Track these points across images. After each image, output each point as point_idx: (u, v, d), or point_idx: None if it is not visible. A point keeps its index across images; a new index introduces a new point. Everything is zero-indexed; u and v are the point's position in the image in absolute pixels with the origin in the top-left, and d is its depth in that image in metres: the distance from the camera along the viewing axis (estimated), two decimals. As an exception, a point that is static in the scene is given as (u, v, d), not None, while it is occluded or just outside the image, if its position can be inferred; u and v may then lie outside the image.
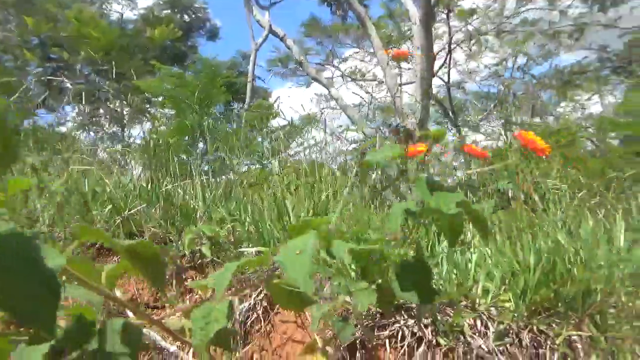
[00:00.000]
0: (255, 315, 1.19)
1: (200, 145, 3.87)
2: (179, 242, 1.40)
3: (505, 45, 11.61)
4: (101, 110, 11.86)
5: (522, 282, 1.02)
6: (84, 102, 10.74)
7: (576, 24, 11.92)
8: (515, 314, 0.99)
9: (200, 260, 1.39)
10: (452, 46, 10.30)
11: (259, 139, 4.15)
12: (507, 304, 1.04)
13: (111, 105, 10.96)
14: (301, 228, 0.58)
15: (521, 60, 12.03)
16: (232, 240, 1.38)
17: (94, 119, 12.23)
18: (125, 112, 11.13)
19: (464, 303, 1.04)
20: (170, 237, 1.48)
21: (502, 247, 1.15)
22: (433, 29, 10.74)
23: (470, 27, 10.18)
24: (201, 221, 1.53)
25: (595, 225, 1.36)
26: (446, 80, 10.84)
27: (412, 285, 0.68)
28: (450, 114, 11.68)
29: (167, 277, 1.37)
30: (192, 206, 1.63)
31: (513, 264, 1.07)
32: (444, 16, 10.07)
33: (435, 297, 0.69)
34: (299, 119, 5.21)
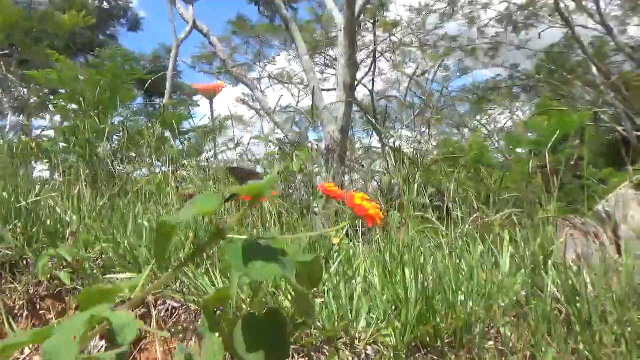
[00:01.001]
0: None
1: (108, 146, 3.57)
2: (37, 267, 1.23)
3: (427, 58, 12.09)
4: (4, 99, 10.89)
5: (403, 316, 0.98)
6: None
7: (492, 42, 12.72)
8: (394, 352, 0.95)
9: (59, 288, 1.22)
10: (377, 55, 10.53)
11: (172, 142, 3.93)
12: (388, 339, 0.99)
13: (14, 92, 10.07)
14: (94, 298, 0.47)
15: (441, 73, 12.59)
16: (102, 265, 1.23)
17: (-6, 105, 11.15)
18: (31, 101, 10.25)
19: (343, 340, 0.98)
20: (29, 260, 1.29)
21: (388, 277, 1.11)
22: (360, 36, 10.93)
23: (394, 38, 10.47)
24: (72, 240, 1.35)
25: (484, 251, 1.37)
26: (370, 88, 11.05)
27: (261, 344, 0.60)
28: (374, 121, 11.94)
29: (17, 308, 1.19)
30: (65, 222, 1.44)
31: (396, 295, 1.03)
32: (370, 25, 10.28)
33: (286, 356, 0.60)
34: (218, 120, 5.02)
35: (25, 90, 9.01)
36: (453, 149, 5.77)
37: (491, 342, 1.05)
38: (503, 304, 1.15)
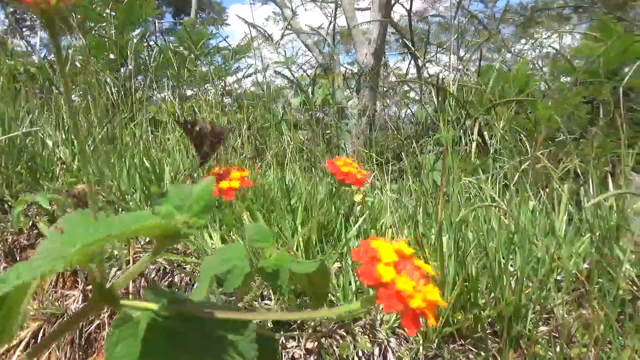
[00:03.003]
0: (99, 321, 0.92)
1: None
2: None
3: (472, -26, 11.03)
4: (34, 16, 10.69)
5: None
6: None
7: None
8: (424, 343, 0.77)
9: (41, 239, 1.09)
10: (417, -30, 9.63)
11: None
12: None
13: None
14: None
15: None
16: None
17: (26, 22, 11.07)
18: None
19: (362, 322, 0.81)
20: (10, 204, 1.15)
21: (419, 241, 0.91)
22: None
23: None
24: (61, 180, 1.20)
25: (537, 208, 1.15)
26: (408, 7, 10.24)
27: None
28: (410, 44, 11.18)
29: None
30: (57, 157, 1.29)
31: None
32: None
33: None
34: (242, 42, 4.72)
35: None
36: (499, 76, 5.29)
37: (544, 328, 0.86)
38: (559, 278, 0.96)
